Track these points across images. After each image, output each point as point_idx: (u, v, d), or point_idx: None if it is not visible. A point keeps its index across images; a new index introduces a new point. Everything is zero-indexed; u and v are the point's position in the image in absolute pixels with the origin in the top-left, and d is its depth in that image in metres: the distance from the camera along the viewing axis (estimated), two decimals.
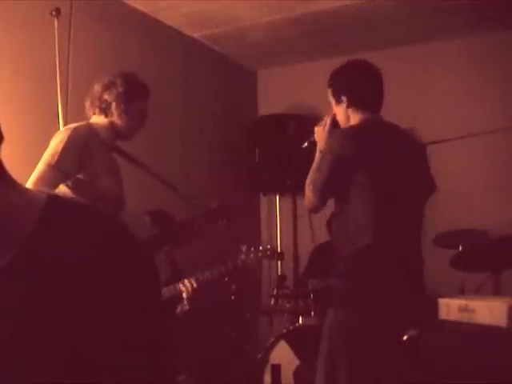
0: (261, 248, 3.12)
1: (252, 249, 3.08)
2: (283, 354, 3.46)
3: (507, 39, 4.29)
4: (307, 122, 4.90)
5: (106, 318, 0.75)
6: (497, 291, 3.21)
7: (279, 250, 4.79)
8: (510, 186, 4.24)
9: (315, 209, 2.51)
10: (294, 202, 4.96)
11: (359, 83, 2.54)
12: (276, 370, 3.41)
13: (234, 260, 3.04)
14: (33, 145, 3.08)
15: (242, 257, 3.05)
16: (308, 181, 2.48)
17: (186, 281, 2.87)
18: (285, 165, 4.73)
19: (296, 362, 3.45)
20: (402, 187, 2.40)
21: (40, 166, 2.40)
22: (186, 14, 4.03)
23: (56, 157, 2.40)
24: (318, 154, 2.58)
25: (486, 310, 1.96)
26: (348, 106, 2.51)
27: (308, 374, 3.44)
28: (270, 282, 4.76)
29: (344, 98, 2.51)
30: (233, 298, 3.42)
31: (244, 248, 3.07)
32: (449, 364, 1.93)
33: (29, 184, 2.34)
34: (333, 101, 2.58)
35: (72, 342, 0.74)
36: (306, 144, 2.90)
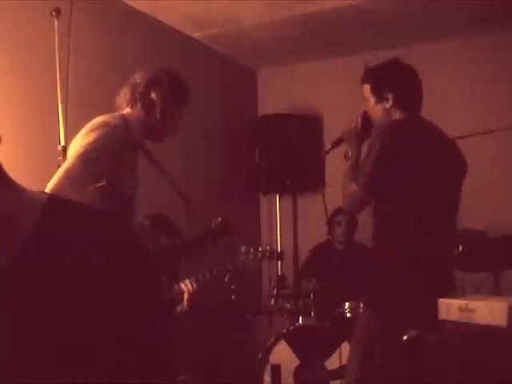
0: (260, 249, 3.09)
1: (251, 249, 3.05)
2: (283, 354, 3.47)
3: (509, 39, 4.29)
4: (307, 121, 4.92)
5: (105, 316, 0.75)
6: (497, 291, 3.21)
7: (279, 250, 4.79)
8: (511, 186, 4.24)
9: (361, 205, 2.41)
10: (294, 202, 4.96)
11: (406, 81, 2.45)
12: (276, 370, 3.41)
13: (234, 261, 3.02)
14: (33, 145, 3.09)
15: (242, 258, 3.03)
16: (348, 179, 2.40)
17: (187, 281, 2.81)
18: (285, 165, 4.73)
19: (296, 361, 3.45)
20: (441, 189, 2.37)
21: (75, 162, 2.17)
22: (186, 14, 4.03)
23: (92, 154, 2.18)
24: (350, 155, 2.50)
25: (486, 310, 1.96)
26: (393, 105, 2.41)
27: (308, 374, 3.44)
28: (270, 282, 4.76)
29: (389, 96, 2.40)
30: (233, 297, 3.42)
31: (243, 249, 3.05)
32: (449, 364, 1.93)
33: (56, 179, 2.14)
34: (372, 98, 2.45)
35: (71, 340, 0.74)
36: (328, 147, 2.76)
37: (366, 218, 3.92)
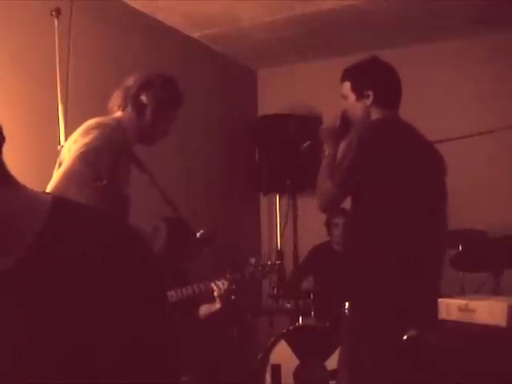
0: (269, 263, 3.18)
1: (261, 262, 3.13)
2: (283, 354, 3.46)
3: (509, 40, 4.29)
4: (307, 121, 4.91)
5: (111, 318, 0.75)
6: (497, 291, 3.21)
7: (279, 248, 4.80)
8: (510, 185, 4.24)
9: (335, 203, 2.42)
10: (294, 202, 4.96)
11: (386, 78, 2.46)
12: (276, 370, 3.41)
13: (243, 272, 3.10)
14: (33, 145, 3.09)
15: (251, 269, 3.11)
16: (323, 177, 2.40)
17: (218, 282, 3.00)
18: (285, 165, 4.73)
19: (296, 361, 3.45)
20: (420, 188, 2.35)
21: (75, 162, 2.13)
22: (186, 14, 4.03)
23: (92, 154, 2.14)
24: (326, 153, 2.50)
25: (486, 310, 1.96)
26: (373, 102, 2.41)
27: (308, 374, 3.44)
28: (270, 282, 4.76)
29: (370, 93, 2.40)
30: (233, 297, 3.42)
31: (253, 261, 3.12)
32: (449, 364, 1.93)
33: (55, 180, 2.12)
34: (352, 95, 2.45)
35: (77, 342, 0.74)
36: (305, 145, 2.80)
37: None
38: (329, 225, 4.30)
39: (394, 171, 2.29)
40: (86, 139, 2.17)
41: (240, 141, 4.98)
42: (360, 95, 2.44)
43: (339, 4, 3.92)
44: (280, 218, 4.99)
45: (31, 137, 3.08)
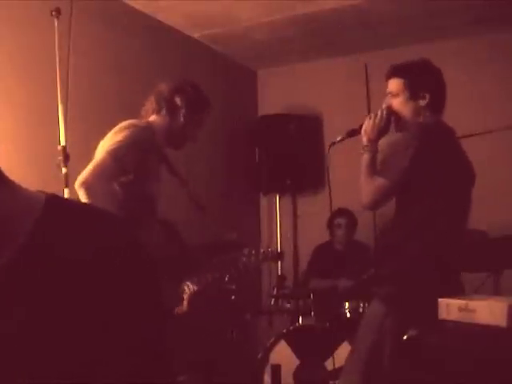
0: (262, 251, 3.14)
1: (253, 252, 3.10)
2: (283, 354, 3.46)
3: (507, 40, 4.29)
4: (307, 121, 4.92)
5: (104, 320, 0.75)
6: (497, 291, 3.21)
7: (279, 250, 4.79)
8: (510, 185, 4.24)
9: (386, 199, 2.41)
10: (294, 202, 4.97)
11: (440, 83, 2.47)
12: (276, 370, 3.41)
13: (236, 263, 3.06)
14: (33, 145, 3.09)
15: (244, 260, 3.07)
16: (368, 173, 2.40)
17: (188, 283, 2.85)
18: (285, 165, 4.73)
19: (296, 361, 3.45)
20: (460, 193, 2.41)
21: (105, 157, 2.34)
22: (186, 14, 4.03)
23: (122, 150, 2.35)
24: (368, 148, 2.47)
25: (486, 310, 1.96)
26: (427, 104, 2.40)
27: (308, 374, 3.44)
28: (270, 282, 4.76)
29: (426, 95, 2.39)
30: (233, 297, 3.42)
31: (246, 251, 3.09)
32: (449, 364, 1.93)
33: (86, 171, 2.30)
34: (405, 93, 2.42)
35: (70, 345, 0.74)
36: (338, 139, 2.72)
37: (363, 218, 3.92)
38: (331, 225, 4.31)
39: (441, 176, 2.33)
40: (118, 137, 2.38)
41: (240, 141, 4.98)
42: (414, 95, 2.42)
43: (340, 4, 3.92)
44: (280, 218, 5.00)
45: (31, 137, 3.08)
